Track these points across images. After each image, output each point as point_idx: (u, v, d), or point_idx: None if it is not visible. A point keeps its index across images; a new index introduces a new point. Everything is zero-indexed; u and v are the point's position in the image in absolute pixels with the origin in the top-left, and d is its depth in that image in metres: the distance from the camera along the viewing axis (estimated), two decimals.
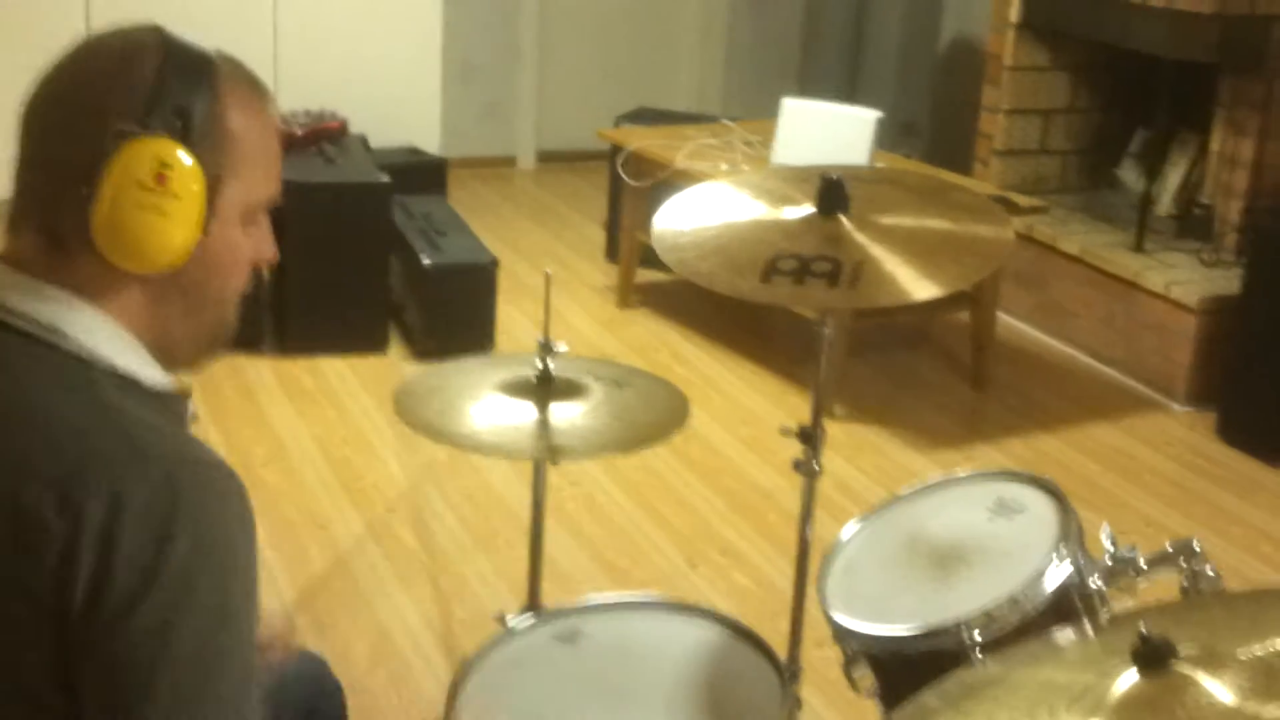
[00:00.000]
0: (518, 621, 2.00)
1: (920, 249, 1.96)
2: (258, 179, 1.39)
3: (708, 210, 2.13)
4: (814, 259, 1.94)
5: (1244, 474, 4.08)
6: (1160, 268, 4.62)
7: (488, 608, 3.06)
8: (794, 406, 4.28)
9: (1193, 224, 4.85)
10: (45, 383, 1.28)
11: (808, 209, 2.03)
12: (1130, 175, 5.28)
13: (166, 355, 1.39)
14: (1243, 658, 1.30)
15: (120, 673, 1.21)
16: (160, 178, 1.29)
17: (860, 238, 1.96)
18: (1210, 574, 1.68)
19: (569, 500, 3.67)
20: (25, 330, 1.30)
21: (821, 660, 2.63)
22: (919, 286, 1.86)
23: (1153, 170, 4.94)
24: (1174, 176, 5.04)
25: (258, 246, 1.43)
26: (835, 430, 4.16)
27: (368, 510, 3.62)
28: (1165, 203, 5.04)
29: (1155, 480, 4.03)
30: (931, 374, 4.72)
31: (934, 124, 6.28)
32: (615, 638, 1.95)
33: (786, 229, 2.01)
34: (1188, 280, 4.52)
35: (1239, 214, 4.67)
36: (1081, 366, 4.82)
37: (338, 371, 4.44)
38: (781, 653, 1.95)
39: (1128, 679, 1.29)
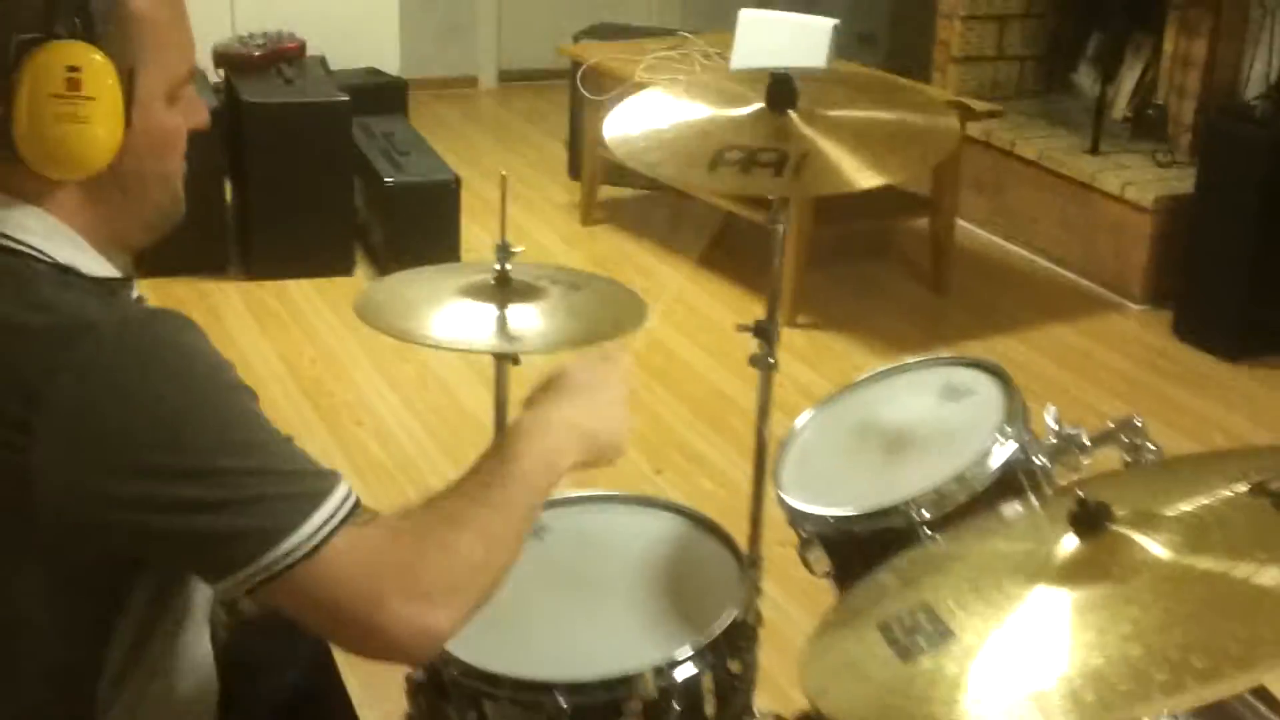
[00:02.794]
0: None
1: (866, 141, 2.00)
2: (174, 57, 1.37)
3: (662, 110, 2.16)
4: (760, 150, 1.98)
5: (1198, 370, 4.16)
6: (1116, 169, 4.67)
7: None
8: (755, 314, 4.31)
9: (1147, 125, 4.90)
10: None
11: (758, 106, 2.07)
12: (1086, 79, 5.32)
13: (115, 243, 1.39)
14: (1175, 516, 1.36)
15: (184, 515, 1.24)
16: (71, 83, 1.27)
17: (808, 130, 1.99)
18: (1152, 448, 1.74)
19: None
20: None
21: (783, 558, 2.68)
22: (863, 175, 1.91)
23: (1108, 73, 4.97)
24: (1129, 79, 5.08)
25: (188, 116, 1.41)
26: (797, 338, 4.22)
27: (337, 426, 3.67)
28: (1120, 105, 5.08)
29: (1111, 377, 4.10)
30: (892, 282, 4.78)
31: (892, 32, 6.29)
32: (579, 531, 1.99)
33: (736, 124, 2.04)
34: (1142, 181, 4.57)
35: (1192, 114, 4.71)
36: (1040, 270, 4.88)
37: (304, 293, 4.47)
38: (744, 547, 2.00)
39: (1068, 543, 1.34)
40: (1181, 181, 4.49)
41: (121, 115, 1.31)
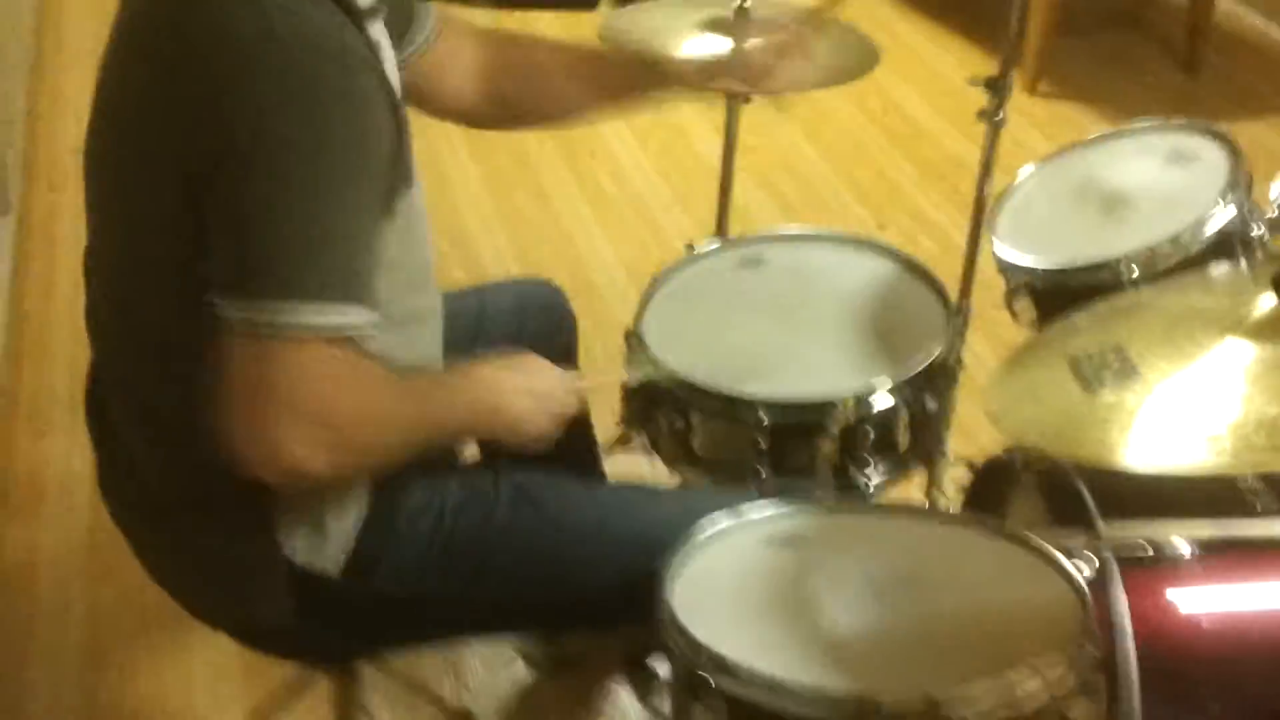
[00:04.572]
0: (705, 246, 2.14)
1: None
2: None
3: None
4: None
5: None
6: None
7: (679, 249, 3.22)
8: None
9: None
10: None
11: None
12: None
13: None
14: None
15: (235, 217, 1.32)
16: None
17: None
18: None
19: (764, 157, 3.77)
20: None
21: (994, 318, 2.72)
22: None
23: None
24: None
25: None
26: (1036, 107, 4.16)
27: (572, 157, 3.78)
28: None
29: None
30: (1143, 56, 4.63)
31: None
32: (797, 263, 2.06)
33: None
34: None
35: None
36: None
37: (549, 25, 4.55)
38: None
39: (1266, 301, 1.38)
40: None
41: None
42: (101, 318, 1.57)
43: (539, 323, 1.96)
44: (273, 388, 1.31)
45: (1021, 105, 4.09)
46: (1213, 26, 4.50)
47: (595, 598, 1.59)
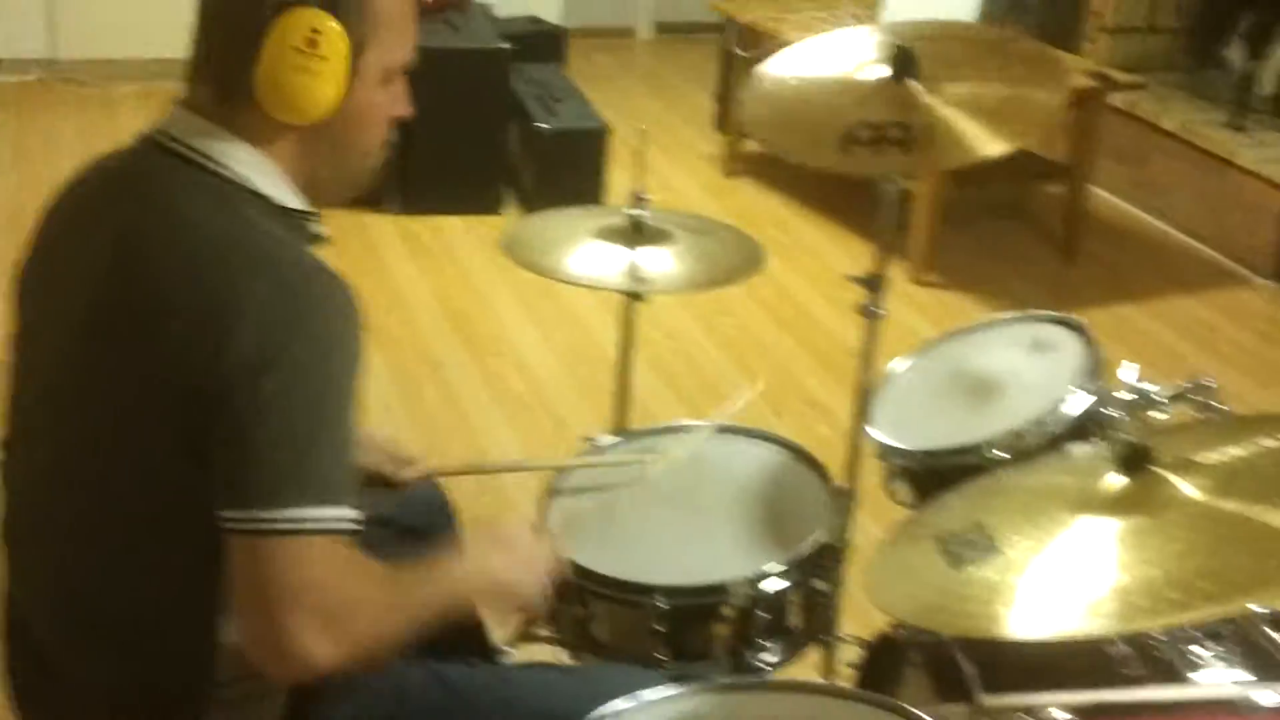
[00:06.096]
0: (604, 440, 2.23)
1: (982, 110, 2.08)
2: (395, 43, 1.57)
3: (791, 86, 2.24)
4: (887, 125, 2.05)
5: None
6: (1255, 146, 4.70)
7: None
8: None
9: None
10: (196, 198, 1.52)
11: (883, 75, 2.12)
12: (1236, 54, 5.32)
13: (312, 192, 1.61)
14: (1213, 463, 1.51)
15: (239, 436, 1.43)
16: (311, 42, 1.49)
17: (928, 100, 2.05)
18: (1222, 408, 1.87)
19: (665, 352, 3.91)
20: (189, 158, 1.53)
21: (881, 495, 2.84)
22: (982, 145, 1.99)
23: (1256, 49, 4.99)
24: (1277, 57, 5.08)
25: (394, 104, 1.63)
26: (924, 295, 4.35)
27: (479, 355, 3.89)
28: (1267, 82, 5.08)
29: (1232, 350, 4.16)
30: (1025, 245, 4.86)
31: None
32: (693, 455, 2.16)
33: (861, 97, 2.10)
34: None
35: None
36: (1173, 241, 4.93)
37: (455, 229, 4.71)
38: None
39: (1113, 479, 1.50)
40: None
41: (345, 79, 1.52)
42: (37, 529, 1.61)
43: (420, 520, 2.02)
44: (274, 584, 1.42)
45: (910, 294, 4.29)
46: (1091, 216, 4.75)
47: None
